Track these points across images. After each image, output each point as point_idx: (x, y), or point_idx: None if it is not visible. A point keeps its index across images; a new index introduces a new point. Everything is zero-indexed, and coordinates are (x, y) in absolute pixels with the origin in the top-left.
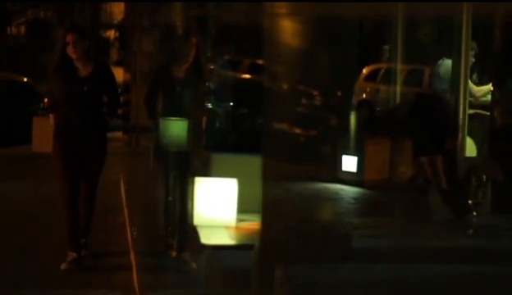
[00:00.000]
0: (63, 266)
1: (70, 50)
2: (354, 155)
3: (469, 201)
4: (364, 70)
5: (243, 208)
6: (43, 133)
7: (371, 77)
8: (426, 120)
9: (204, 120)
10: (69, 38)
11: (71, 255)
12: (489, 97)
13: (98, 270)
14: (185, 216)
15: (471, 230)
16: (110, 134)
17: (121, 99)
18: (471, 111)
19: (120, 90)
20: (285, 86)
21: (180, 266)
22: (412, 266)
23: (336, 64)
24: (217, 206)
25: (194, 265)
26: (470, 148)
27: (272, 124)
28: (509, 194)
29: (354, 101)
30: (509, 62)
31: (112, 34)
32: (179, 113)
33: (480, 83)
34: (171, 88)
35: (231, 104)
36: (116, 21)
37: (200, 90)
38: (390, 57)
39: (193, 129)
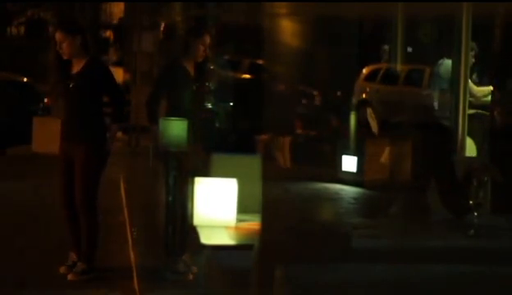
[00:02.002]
0: (62, 270)
1: (59, 48)
2: (354, 155)
3: (470, 202)
4: (364, 70)
5: (243, 208)
6: (43, 133)
7: (371, 77)
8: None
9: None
10: (57, 36)
11: (72, 257)
12: (489, 97)
13: (98, 270)
14: (185, 217)
15: (472, 231)
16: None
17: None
18: (471, 111)
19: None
20: (285, 86)
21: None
22: (412, 266)
23: (336, 64)
24: (217, 206)
25: (194, 269)
26: (470, 148)
27: (272, 124)
28: (509, 194)
29: (354, 101)
30: (510, 62)
31: (112, 34)
32: (185, 112)
33: (480, 83)
34: (182, 85)
35: (231, 104)
36: (115, 21)
37: (205, 89)
38: (390, 57)
39: (194, 129)
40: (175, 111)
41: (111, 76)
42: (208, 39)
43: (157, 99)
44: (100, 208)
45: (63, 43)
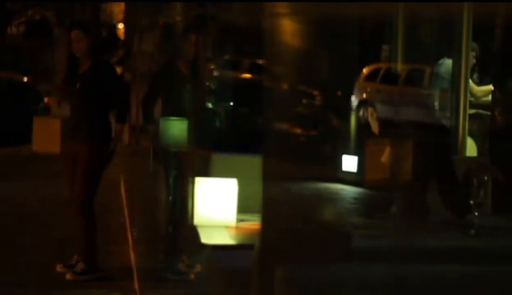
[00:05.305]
0: (59, 269)
1: (74, 47)
2: (355, 155)
3: (470, 202)
4: (364, 70)
5: (243, 208)
6: (43, 133)
7: (371, 77)
8: None
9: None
10: (73, 35)
11: (76, 257)
12: (490, 96)
13: (99, 271)
14: (185, 217)
15: (473, 231)
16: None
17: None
18: (472, 111)
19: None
20: (285, 86)
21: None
22: (412, 266)
23: (336, 64)
24: (217, 206)
25: (197, 268)
26: (471, 148)
27: (272, 124)
28: (509, 194)
29: (355, 101)
30: (510, 62)
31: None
32: (182, 112)
33: (481, 83)
34: (177, 85)
35: (231, 104)
36: (114, 21)
37: (199, 88)
38: (391, 57)
39: (193, 129)
40: (170, 111)
41: (115, 77)
42: (193, 38)
43: (153, 99)
44: (97, 208)
45: (80, 42)
